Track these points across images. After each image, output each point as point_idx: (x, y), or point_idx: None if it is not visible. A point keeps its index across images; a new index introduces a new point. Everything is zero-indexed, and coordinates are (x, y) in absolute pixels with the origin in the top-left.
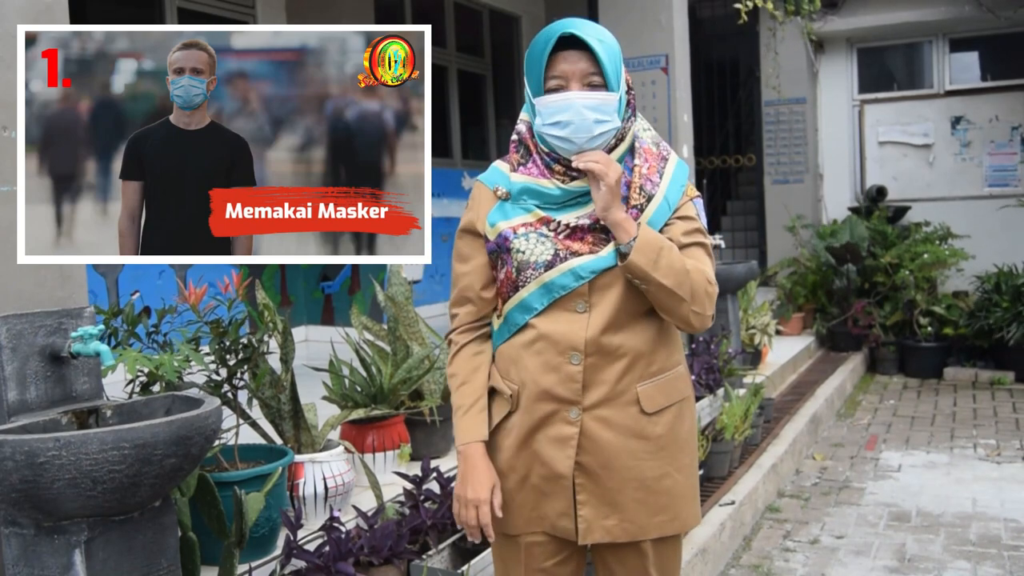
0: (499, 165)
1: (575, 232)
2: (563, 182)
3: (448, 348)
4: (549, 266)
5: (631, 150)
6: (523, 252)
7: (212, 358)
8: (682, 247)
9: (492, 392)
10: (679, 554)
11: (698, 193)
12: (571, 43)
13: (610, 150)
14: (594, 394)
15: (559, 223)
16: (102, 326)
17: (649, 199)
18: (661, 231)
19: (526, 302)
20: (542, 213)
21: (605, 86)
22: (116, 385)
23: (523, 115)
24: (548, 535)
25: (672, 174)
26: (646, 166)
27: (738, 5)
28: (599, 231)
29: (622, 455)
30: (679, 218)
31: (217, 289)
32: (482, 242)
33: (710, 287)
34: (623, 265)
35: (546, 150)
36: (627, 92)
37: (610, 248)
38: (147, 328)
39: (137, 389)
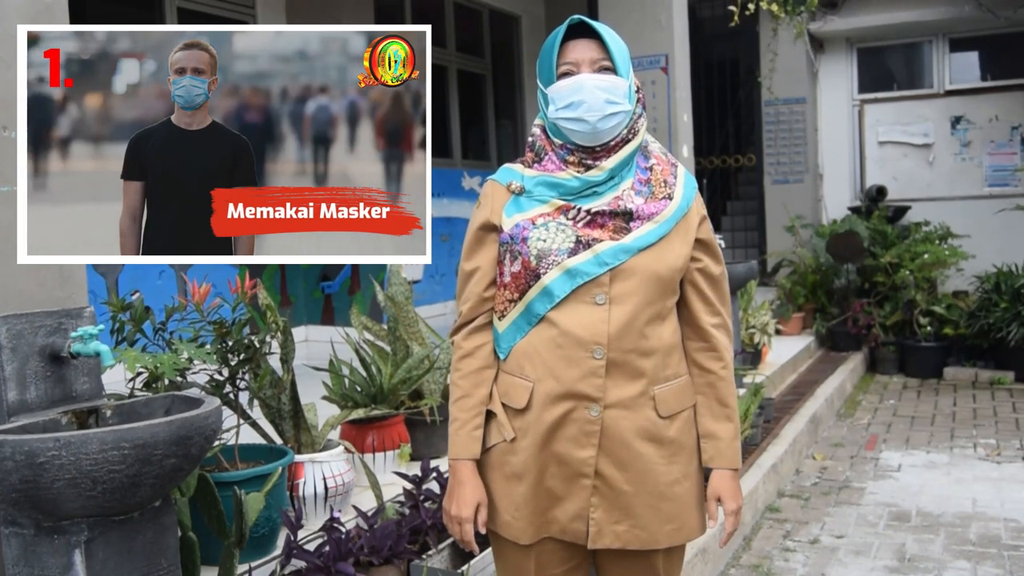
0: (510, 166)
1: (595, 219)
2: (579, 172)
3: (452, 347)
4: (572, 252)
5: (643, 153)
6: (543, 240)
7: (215, 358)
8: (714, 279)
9: (490, 414)
10: (682, 562)
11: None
12: (581, 34)
13: (624, 143)
14: (615, 392)
15: (579, 210)
16: (101, 326)
17: (671, 194)
18: (694, 251)
19: (549, 289)
20: (560, 202)
21: (614, 72)
22: (118, 384)
23: (538, 120)
24: (557, 540)
25: (685, 178)
26: (660, 168)
27: (732, 7)
28: (620, 218)
29: (640, 458)
30: (706, 246)
31: (220, 290)
32: (493, 239)
33: (729, 344)
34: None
35: (560, 142)
36: (637, 91)
37: (633, 235)
38: (154, 325)
39: (140, 386)
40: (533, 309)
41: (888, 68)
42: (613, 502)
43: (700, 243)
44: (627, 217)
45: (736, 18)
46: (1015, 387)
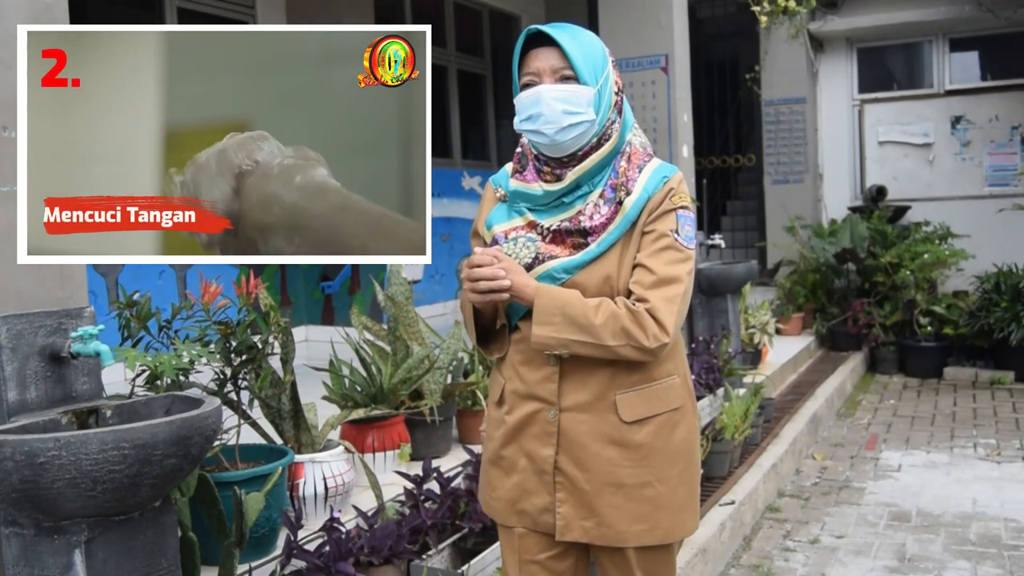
0: (508, 167)
1: (556, 236)
2: (548, 182)
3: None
4: (529, 268)
5: (620, 154)
6: (510, 255)
7: (218, 356)
8: (636, 265)
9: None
10: (670, 562)
11: (687, 204)
12: (544, 42)
13: (592, 150)
14: (571, 397)
15: (542, 227)
16: (102, 326)
17: (628, 193)
18: (643, 236)
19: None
20: (531, 217)
21: (577, 80)
22: (119, 383)
23: None
24: (531, 529)
25: (653, 169)
26: (629, 167)
27: (755, 8)
28: (577, 235)
29: (598, 460)
30: (652, 232)
31: (228, 289)
32: (479, 244)
33: (644, 323)
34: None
35: (535, 152)
36: (616, 94)
37: (585, 251)
38: (159, 323)
39: (142, 384)
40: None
41: (888, 68)
42: (578, 499)
43: (643, 234)
44: (583, 234)
45: (752, 13)
46: (1015, 387)
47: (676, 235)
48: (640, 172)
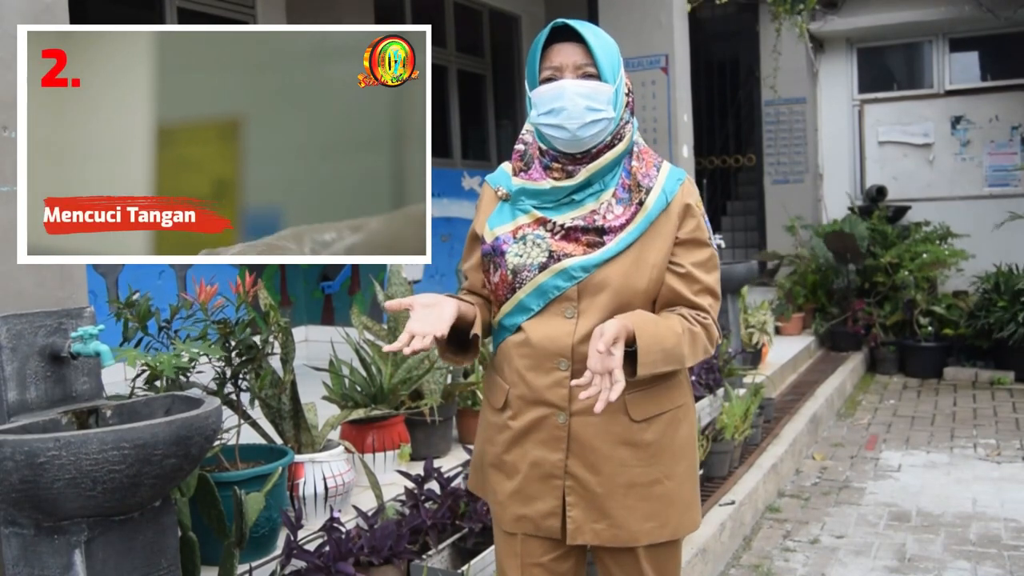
0: (506, 166)
1: (570, 233)
2: (558, 179)
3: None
4: (543, 268)
5: (630, 154)
6: (519, 256)
7: (218, 350)
8: (691, 276)
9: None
10: (677, 558)
11: (702, 209)
12: (566, 37)
13: (606, 148)
14: (582, 400)
15: (554, 223)
16: (102, 326)
17: (648, 191)
18: (675, 247)
19: (523, 303)
20: (539, 214)
21: (599, 78)
22: (119, 383)
23: (527, 126)
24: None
25: (669, 170)
26: (643, 166)
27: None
28: (592, 232)
29: (611, 461)
30: (691, 241)
31: (222, 290)
32: (479, 246)
33: (713, 335)
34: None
35: (545, 148)
36: (627, 95)
37: (603, 250)
38: (159, 323)
39: (142, 384)
40: (511, 320)
41: (888, 68)
42: (590, 502)
43: (680, 243)
44: (600, 232)
45: None
46: (1015, 387)
47: (710, 241)
48: (658, 172)
